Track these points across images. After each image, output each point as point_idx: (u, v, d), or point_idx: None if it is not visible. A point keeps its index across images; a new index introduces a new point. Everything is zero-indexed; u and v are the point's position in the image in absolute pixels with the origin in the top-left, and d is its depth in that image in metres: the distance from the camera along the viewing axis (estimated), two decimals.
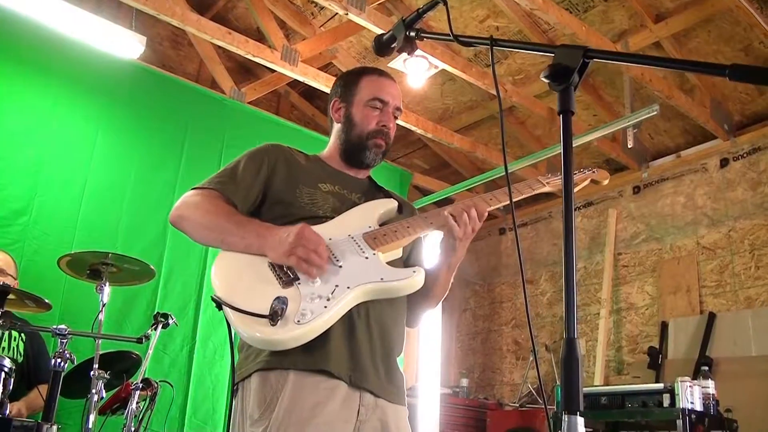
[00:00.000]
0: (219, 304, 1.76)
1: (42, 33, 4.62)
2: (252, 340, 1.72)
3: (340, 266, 1.85)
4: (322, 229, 1.91)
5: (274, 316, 1.66)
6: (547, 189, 2.24)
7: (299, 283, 1.79)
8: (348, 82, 2.24)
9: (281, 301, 1.68)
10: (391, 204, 2.13)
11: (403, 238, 1.99)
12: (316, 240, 1.81)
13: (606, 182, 2.39)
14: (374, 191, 2.21)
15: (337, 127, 2.23)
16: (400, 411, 1.94)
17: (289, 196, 2.02)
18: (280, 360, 1.75)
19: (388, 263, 1.94)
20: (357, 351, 1.83)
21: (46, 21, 4.56)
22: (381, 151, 2.17)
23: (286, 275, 1.80)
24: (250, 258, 1.85)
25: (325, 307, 1.74)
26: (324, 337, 1.75)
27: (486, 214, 2.08)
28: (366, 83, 2.19)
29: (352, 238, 1.94)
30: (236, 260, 1.87)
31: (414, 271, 1.90)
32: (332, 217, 2.00)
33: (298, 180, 2.06)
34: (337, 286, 1.80)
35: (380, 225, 2.04)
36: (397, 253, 2.02)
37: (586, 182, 2.36)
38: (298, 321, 1.69)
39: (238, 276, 1.84)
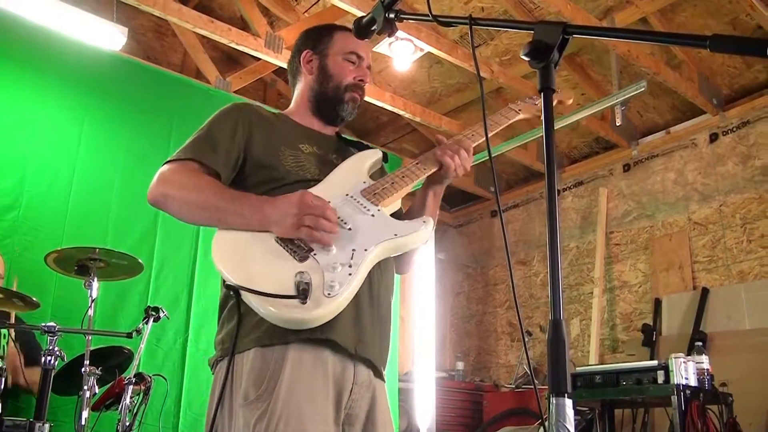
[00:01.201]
0: (237, 291, 1.64)
1: (22, 26, 4.56)
2: (281, 321, 1.62)
3: (350, 228, 1.78)
4: (316, 192, 1.81)
5: (305, 293, 1.55)
6: (521, 116, 2.21)
7: (315, 254, 1.69)
8: (320, 34, 2.18)
9: (304, 276, 1.57)
10: (377, 155, 2.10)
11: (402, 189, 1.94)
12: (321, 204, 1.72)
13: (570, 101, 2.31)
14: (346, 148, 2.16)
15: (308, 79, 2.15)
16: (382, 387, 1.89)
17: (272, 159, 1.93)
18: (282, 334, 1.66)
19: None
20: (362, 318, 1.78)
21: (26, 14, 4.50)
22: (356, 105, 2.13)
23: (299, 248, 1.70)
24: (252, 235, 1.74)
25: (350, 274, 1.67)
26: None
27: (472, 148, 2.05)
28: (341, 37, 2.14)
29: (351, 197, 1.88)
30: (238, 239, 1.75)
31: (424, 222, 1.85)
32: (320, 180, 1.92)
33: (278, 141, 1.98)
34: (354, 250, 1.72)
35: (371, 178, 1.99)
36: (396, 206, 1.99)
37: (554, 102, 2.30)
38: (328, 294, 1.61)
39: (246, 256, 1.71)
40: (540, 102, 2.02)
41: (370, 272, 1.77)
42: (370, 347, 1.80)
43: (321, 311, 1.60)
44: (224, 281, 1.71)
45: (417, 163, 2.01)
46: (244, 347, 1.72)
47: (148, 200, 1.85)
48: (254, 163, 1.93)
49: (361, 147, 2.18)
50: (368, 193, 1.89)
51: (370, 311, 1.81)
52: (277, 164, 1.91)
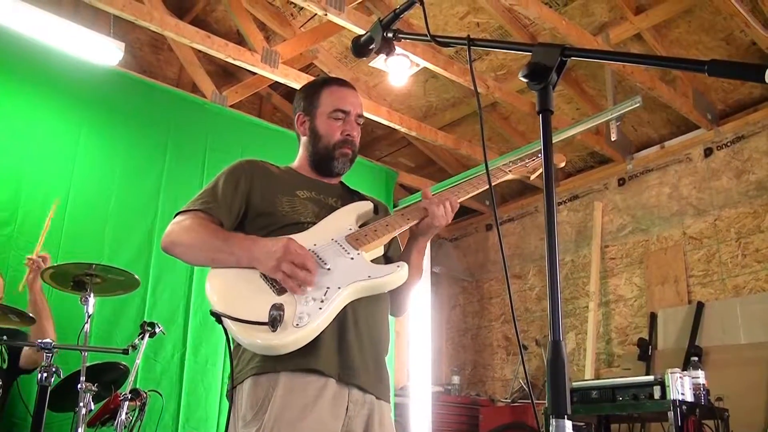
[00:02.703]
0: (219, 318, 1.80)
1: (19, 41, 4.55)
2: (254, 346, 1.79)
3: (329, 269, 1.93)
4: (306, 236, 1.99)
5: (274, 322, 1.72)
6: (510, 177, 2.37)
7: None
8: (309, 95, 2.31)
9: (278, 307, 1.73)
10: (368, 206, 2.22)
11: (383, 236, 2.08)
12: (302, 254, 1.86)
13: (562, 165, 2.45)
14: (348, 194, 2.31)
15: (303, 139, 2.31)
16: (384, 407, 2.00)
17: (270, 206, 2.09)
18: (273, 364, 1.82)
19: (372, 261, 2.04)
20: (346, 348, 1.91)
21: (23, 29, 4.49)
22: (348, 159, 2.27)
23: (279, 283, 1.86)
24: (240, 271, 1.91)
25: (320, 308, 1.82)
26: (315, 338, 1.81)
27: (457, 204, 2.20)
28: (326, 95, 2.27)
29: (336, 241, 2.02)
30: (227, 274, 1.92)
31: (398, 266, 2.00)
32: (314, 223, 2.08)
33: (276, 190, 2.14)
34: (328, 287, 1.87)
35: (360, 226, 2.12)
36: (380, 251, 2.12)
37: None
38: (297, 324, 1.77)
39: (232, 289, 1.89)
40: (531, 164, 2.28)
41: (356, 308, 1.95)
42: (360, 374, 1.93)
43: (288, 339, 1.76)
44: (210, 309, 1.85)
45: (402, 214, 2.15)
46: (243, 377, 1.89)
47: (161, 248, 2.04)
48: (254, 212, 2.11)
49: (361, 195, 2.33)
50: (352, 239, 2.04)
51: (357, 341, 1.95)
52: (274, 210, 2.09)
